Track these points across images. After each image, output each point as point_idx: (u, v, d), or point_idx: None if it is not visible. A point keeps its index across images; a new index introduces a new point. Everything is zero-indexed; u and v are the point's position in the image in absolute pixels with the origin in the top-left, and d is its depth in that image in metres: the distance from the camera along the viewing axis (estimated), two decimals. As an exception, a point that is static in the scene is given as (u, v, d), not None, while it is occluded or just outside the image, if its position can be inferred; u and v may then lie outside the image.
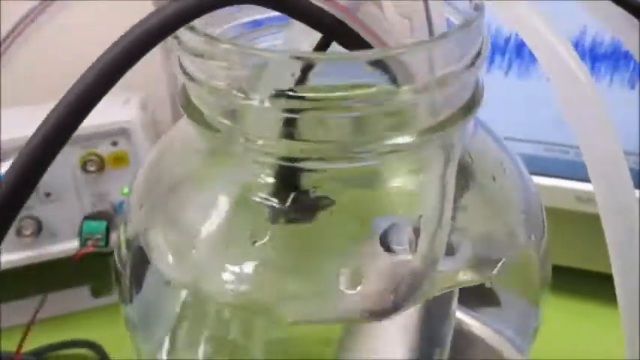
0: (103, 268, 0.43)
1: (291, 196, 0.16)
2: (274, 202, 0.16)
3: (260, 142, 0.15)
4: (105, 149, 0.37)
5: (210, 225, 0.17)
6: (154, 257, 0.18)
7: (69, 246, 0.38)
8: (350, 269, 0.15)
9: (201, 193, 0.18)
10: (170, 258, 0.18)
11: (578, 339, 0.39)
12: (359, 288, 0.15)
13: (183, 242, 0.17)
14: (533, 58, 0.36)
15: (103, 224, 0.36)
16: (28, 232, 0.37)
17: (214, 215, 0.17)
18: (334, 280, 0.15)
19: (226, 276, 0.16)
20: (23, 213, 0.37)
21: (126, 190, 0.38)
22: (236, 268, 0.16)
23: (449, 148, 0.16)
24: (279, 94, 0.14)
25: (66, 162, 0.37)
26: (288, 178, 0.16)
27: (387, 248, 0.16)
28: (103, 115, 0.37)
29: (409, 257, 0.16)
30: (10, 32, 0.24)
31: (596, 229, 0.44)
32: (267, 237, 0.16)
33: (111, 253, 0.43)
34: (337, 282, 0.15)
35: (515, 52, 0.36)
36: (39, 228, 0.37)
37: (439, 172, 0.16)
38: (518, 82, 0.36)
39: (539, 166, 0.38)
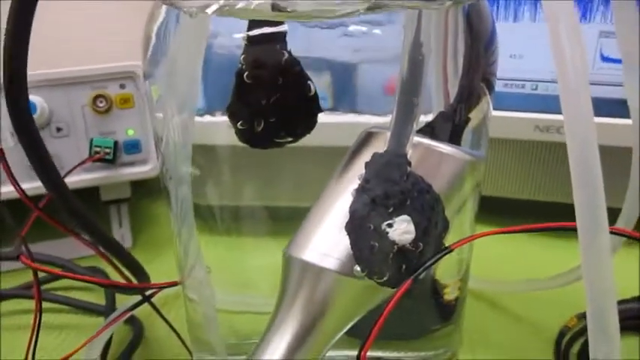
0: (103, 220, 0.46)
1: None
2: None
3: None
4: (113, 90, 0.42)
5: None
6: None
7: (75, 178, 0.41)
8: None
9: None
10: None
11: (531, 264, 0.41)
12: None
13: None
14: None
15: (111, 141, 0.39)
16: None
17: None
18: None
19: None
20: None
21: (131, 131, 0.42)
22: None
23: None
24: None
25: (77, 100, 0.41)
26: None
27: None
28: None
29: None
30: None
31: (555, 158, 0.49)
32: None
33: (109, 202, 0.46)
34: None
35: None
36: None
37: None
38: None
39: (500, 101, 0.43)
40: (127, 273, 0.30)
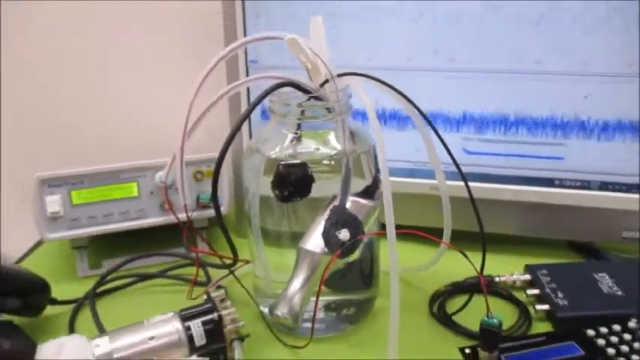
0: (193, 238, 0.81)
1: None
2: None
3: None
4: (205, 168, 0.77)
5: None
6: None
7: (183, 215, 0.76)
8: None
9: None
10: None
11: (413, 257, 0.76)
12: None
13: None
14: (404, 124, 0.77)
15: (208, 195, 0.75)
16: (165, 207, 0.76)
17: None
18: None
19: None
20: (163, 198, 0.76)
21: (213, 189, 0.78)
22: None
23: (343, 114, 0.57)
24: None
25: (186, 174, 0.77)
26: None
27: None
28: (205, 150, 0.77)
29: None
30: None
31: (438, 204, 0.94)
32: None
33: (197, 228, 0.81)
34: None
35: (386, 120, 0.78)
36: (170, 205, 0.76)
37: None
38: (400, 132, 0.78)
39: (414, 173, 0.78)
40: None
